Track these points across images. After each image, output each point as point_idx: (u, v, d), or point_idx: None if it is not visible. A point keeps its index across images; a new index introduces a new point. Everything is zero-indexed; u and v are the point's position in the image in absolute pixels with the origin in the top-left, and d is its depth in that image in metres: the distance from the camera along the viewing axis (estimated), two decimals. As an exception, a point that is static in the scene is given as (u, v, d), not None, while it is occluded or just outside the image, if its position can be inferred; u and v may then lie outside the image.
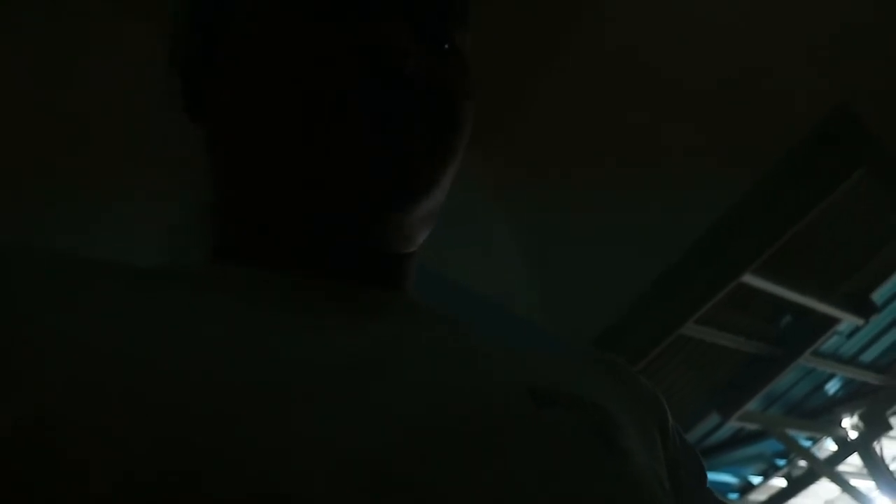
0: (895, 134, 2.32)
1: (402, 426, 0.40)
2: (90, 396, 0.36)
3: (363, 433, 0.39)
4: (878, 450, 5.09)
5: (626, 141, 2.26)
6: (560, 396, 0.47)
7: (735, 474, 5.24)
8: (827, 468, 5.10)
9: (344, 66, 0.50)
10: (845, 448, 5.10)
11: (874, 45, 2.00)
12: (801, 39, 1.99)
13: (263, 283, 0.51)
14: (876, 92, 2.13)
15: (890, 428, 4.94)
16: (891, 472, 5.18)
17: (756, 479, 5.34)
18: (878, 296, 3.61)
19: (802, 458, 5.12)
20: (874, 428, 4.93)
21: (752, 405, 4.09)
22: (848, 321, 3.62)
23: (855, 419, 4.92)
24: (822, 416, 4.92)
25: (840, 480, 5.14)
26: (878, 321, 3.86)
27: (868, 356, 4.37)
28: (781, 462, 5.26)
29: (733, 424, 4.21)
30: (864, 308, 3.58)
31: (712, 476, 4.93)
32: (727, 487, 5.27)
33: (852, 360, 4.32)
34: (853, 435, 5.01)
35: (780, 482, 5.38)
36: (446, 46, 0.56)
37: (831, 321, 3.59)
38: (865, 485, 5.26)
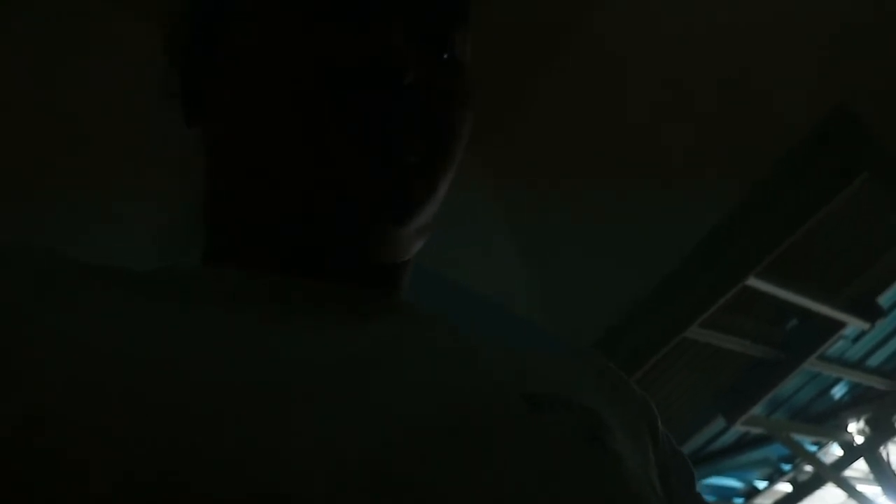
0: (899, 136, 2.32)
1: (402, 426, 0.40)
2: (90, 396, 0.36)
3: (363, 433, 0.39)
4: (884, 455, 5.07)
5: (628, 142, 2.25)
6: (554, 399, 0.48)
7: (740, 479, 5.21)
8: (833, 473, 5.08)
9: (344, 68, 0.50)
10: (851, 453, 5.08)
11: (876, 45, 1.99)
12: (802, 40, 1.98)
13: (261, 286, 0.51)
14: (878, 93, 2.12)
15: (896, 433, 4.92)
16: (897, 478, 5.16)
17: (761, 484, 5.32)
18: (884, 300, 3.59)
19: (808, 463, 5.10)
20: (880, 433, 4.92)
21: (758, 409, 4.07)
22: (854, 325, 3.60)
23: (861, 424, 4.90)
24: (828, 421, 4.89)
25: (846, 485, 5.12)
26: (884, 325, 3.84)
27: (874, 360, 4.35)
28: (787, 467, 5.23)
29: (738, 429, 4.19)
30: (871, 312, 3.57)
31: (717, 480, 4.94)
32: (732, 492, 5.25)
33: (858, 365, 4.29)
34: (859, 440, 4.99)
35: (785, 487, 5.36)
36: (445, 56, 0.55)
37: (837, 325, 3.57)
38: (871, 490, 5.24)
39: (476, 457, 0.40)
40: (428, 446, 0.40)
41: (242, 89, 0.53)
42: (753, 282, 2.90)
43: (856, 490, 5.15)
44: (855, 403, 4.88)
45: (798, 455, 4.97)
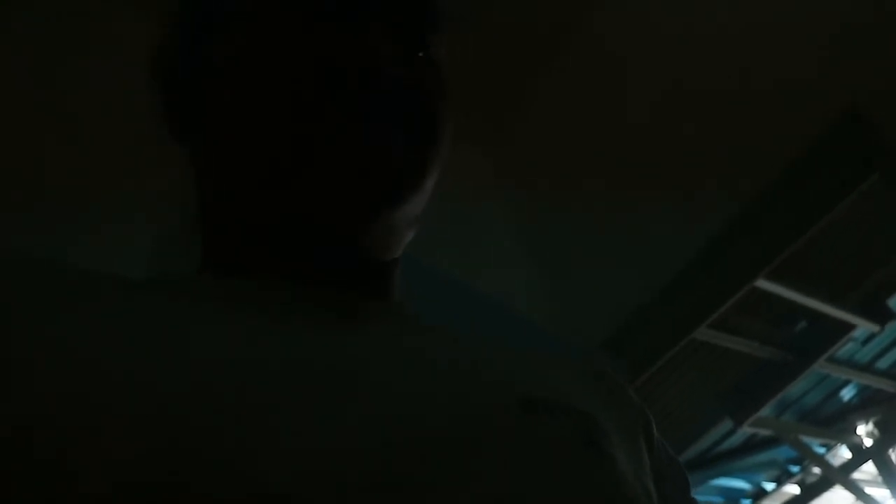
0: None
1: (402, 427, 0.41)
2: (90, 398, 0.36)
3: (363, 434, 0.39)
4: (892, 457, 5.05)
5: (638, 143, 2.25)
6: (551, 403, 0.48)
7: (748, 480, 5.20)
8: (841, 475, 5.06)
9: (343, 70, 0.51)
10: (860, 455, 5.06)
11: (884, 46, 1.97)
12: (812, 41, 1.97)
13: (260, 288, 0.52)
14: (889, 94, 2.11)
15: (905, 436, 4.90)
16: (906, 481, 5.13)
17: (769, 486, 5.30)
18: (894, 302, 3.58)
19: (816, 465, 5.08)
20: (889, 435, 4.90)
21: (766, 411, 4.06)
22: (863, 327, 3.59)
23: (870, 426, 4.89)
24: (837, 423, 4.87)
25: (854, 488, 5.10)
26: (894, 328, 3.82)
27: (884, 363, 4.33)
28: (795, 469, 5.21)
29: (746, 430, 4.18)
30: (880, 314, 3.56)
31: (725, 482, 4.93)
32: (740, 493, 5.24)
33: (867, 367, 4.27)
34: (868, 442, 4.97)
35: (793, 489, 5.34)
36: (421, 54, 0.57)
37: (846, 327, 3.56)
38: (880, 493, 5.22)
39: (475, 459, 0.41)
40: (427, 447, 0.40)
41: (243, 88, 0.54)
42: (762, 283, 2.90)
43: (864, 492, 5.13)
44: (864, 406, 4.87)
45: (806, 457, 4.95)
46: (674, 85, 2.09)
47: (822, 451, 5.15)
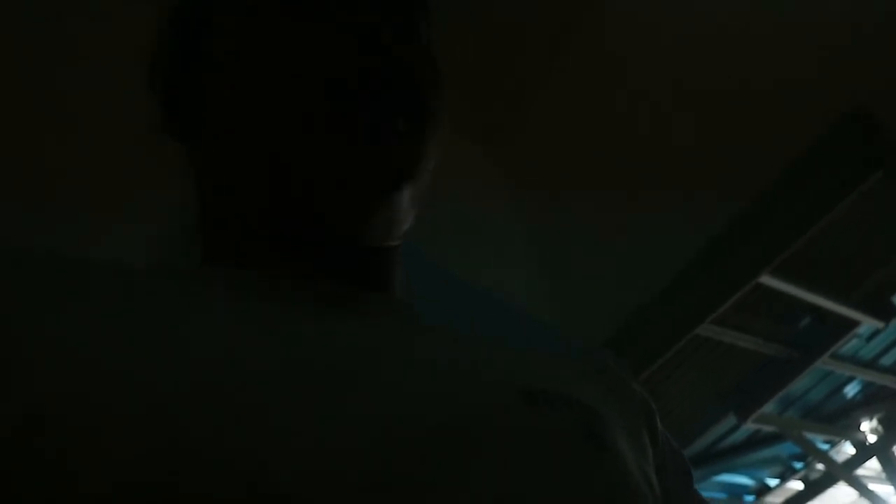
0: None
1: (402, 426, 0.41)
2: (90, 397, 0.36)
3: (363, 434, 0.39)
4: (896, 454, 5.05)
5: (639, 143, 2.25)
6: (552, 396, 0.48)
7: (751, 476, 5.20)
8: (845, 472, 5.05)
9: (342, 73, 0.52)
10: (863, 452, 5.06)
11: (886, 47, 1.97)
12: (812, 41, 1.97)
13: (261, 284, 0.52)
14: (890, 94, 2.10)
15: (910, 432, 4.89)
16: (910, 477, 5.12)
17: (773, 482, 5.30)
18: (898, 299, 3.56)
19: (820, 462, 5.07)
20: (893, 432, 4.89)
21: (769, 407, 4.05)
22: (867, 324, 3.58)
23: (874, 423, 4.89)
24: (840, 420, 4.87)
25: (858, 484, 5.09)
26: (898, 325, 3.81)
27: (888, 359, 4.32)
28: (799, 465, 5.21)
29: (749, 426, 4.18)
30: (885, 311, 3.55)
31: (728, 478, 4.93)
32: (743, 489, 5.24)
33: (871, 364, 4.26)
34: (872, 438, 4.97)
35: (797, 485, 5.34)
36: (414, 41, 0.58)
37: (851, 324, 3.55)
38: (883, 489, 5.22)
39: (475, 455, 0.41)
40: (427, 446, 0.40)
41: (243, 83, 0.54)
42: (766, 279, 2.89)
43: (868, 489, 5.13)
44: (868, 402, 4.86)
45: (810, 453, 4.94)
46: (674, 85, 2.09)
47: (825, 447, 5.14)
